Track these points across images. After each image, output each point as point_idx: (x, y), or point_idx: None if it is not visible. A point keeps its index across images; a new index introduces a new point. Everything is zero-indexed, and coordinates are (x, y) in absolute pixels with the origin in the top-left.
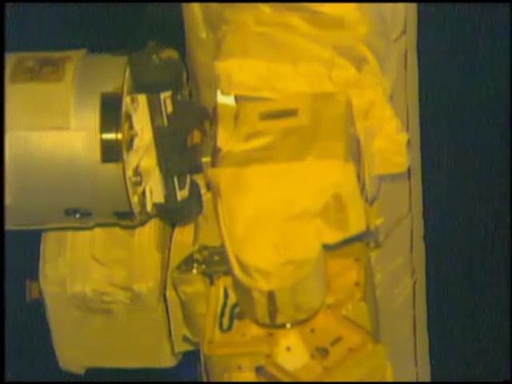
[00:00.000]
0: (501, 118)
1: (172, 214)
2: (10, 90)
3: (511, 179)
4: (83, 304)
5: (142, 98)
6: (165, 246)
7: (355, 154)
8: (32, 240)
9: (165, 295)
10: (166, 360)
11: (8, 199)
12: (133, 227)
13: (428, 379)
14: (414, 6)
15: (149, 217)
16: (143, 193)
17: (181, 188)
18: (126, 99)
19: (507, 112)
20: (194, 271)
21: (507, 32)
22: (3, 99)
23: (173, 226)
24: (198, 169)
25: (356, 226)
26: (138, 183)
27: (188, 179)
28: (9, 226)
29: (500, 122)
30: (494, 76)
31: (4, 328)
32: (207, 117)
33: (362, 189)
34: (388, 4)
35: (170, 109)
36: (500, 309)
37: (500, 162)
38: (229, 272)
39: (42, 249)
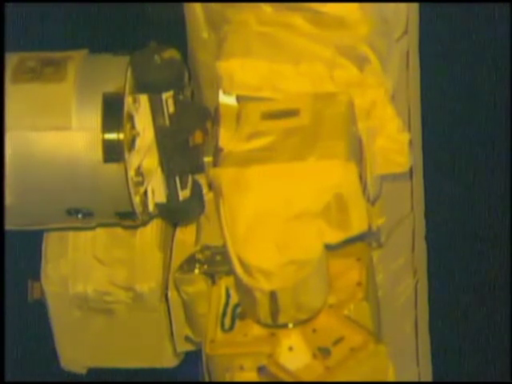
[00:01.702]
0: (502, 117)
1: (174, 214)
2: (11, 90)
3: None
4: (85, 304)
5: (143, 98)
6: (167, 245)
7: (357, 153)
8: (34, 240)
9: (167, 295)
10: (168, 360)
11: (9, 199)
12: (135, 227)
13: (430, 379)
14: (415, 5)
15: (151, 217)
16: (145, 193)
17: (183, 188)
18: (128, 99)
19: (509, 111)
20: (196, 271)
21: (508, 32)
22: (3, 99)
23: (175, 225)
24: (199, 169)
25: (358, 225)
26: (140, 183)
27: (190, 179)
28: (11, 226)
29: (502, 122)
30: (496, 76)
31: (4, 328)
32: (209, 117)
33: (364, 188)
34: (390, 4)
35: (171, 109)
36: (501, 309)
37: (502, 162)
38: (231, 272)
39: (43, 249)
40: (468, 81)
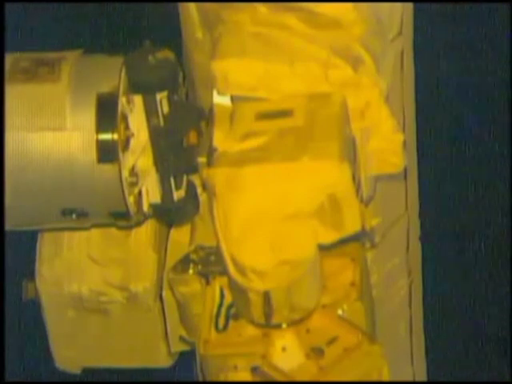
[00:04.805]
0: (498, 118)
1: (168, 214)
2: (6, 90)
3: (510, 179)
4: (79, 304)
5: (138, 99)
6: (161, 246)
7: (351, 154)
8: (28, 240)
9: (161, 295)
10: (163, 360)
11: (5, 200)
12: (129, 227)
13: (424, 378)
14: (410, 6)
15: (145, 217)
16: (139, 193)
17: (177, 188)
18: (122, 99)
19: (504, 112)
20: (190, 271)
21: (505, 32)
22: (3, 99)
23: (169, 226)
24: (194, 169)
25: (351, 225)
26: (134, 183)
27: (184, 179)
28: (6, 226)
29: (497, 123)
30: (492, 75)
31: (4, 328)
32: (203, 117)
33: (358, 189)
34: (385, 4)
35: (166, 109)
36: (497, 308)
37: (497, 163)
38: (225, 272)
39: (38, 249)
40: (463, 81)
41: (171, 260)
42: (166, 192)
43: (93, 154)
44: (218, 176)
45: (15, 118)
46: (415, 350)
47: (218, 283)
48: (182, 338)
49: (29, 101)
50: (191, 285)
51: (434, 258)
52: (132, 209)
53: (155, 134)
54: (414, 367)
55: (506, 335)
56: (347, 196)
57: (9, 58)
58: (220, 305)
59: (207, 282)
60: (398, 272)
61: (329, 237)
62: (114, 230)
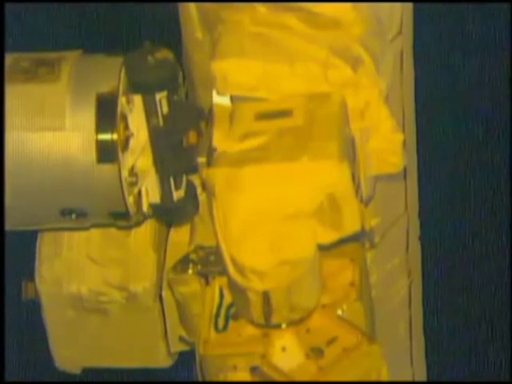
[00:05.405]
0: (497, 118)
1: (168, 214)
2: (6, 90)
3: (510, 178)
4: (79, 304)
5: (137, 99)
6: (161, 246)
7: (350, 154)
8: (28, 240)
9: (161, 295)
10: (162, 360)
11: (5, 199)
12: (129, 227)
13: (424, 379)
14: (410, 6)
15: (145, 217)
16: (139, 193)
17: (177, 188)
18: (122, 99)
19: (504, 112)
20: (190, 271)
21: (505, 31)
22: (3, 99)
23: (169, 226)
24: (193, 169)
25: (351, 225)
26: (134, 183)
27: (184, 179)
28: (6, 226)
29: (496, 122)
30: (491, 76)
31: (4, 328)
32: (203, 117)
33: (357, 189)
34: (384, 4)
35: (165, 109)
36: (496, 309)
37: (497, 162)
38: (224, 272)
39: (37, 249)
40: (463, 81)
41: (171, 260)
42: (165, 192)
43: (92, 154)
44: (218, 176)
45: (15, 118)
46: (415, 350)
47: (218, 283)
48: (181, 338)
49: (29, 101)
50: (191, 285)
51: (434, 258)
52: (132, 209)
53: (155, 134)
54: (413, 367)
55: (506, 335)
56: (347, 196)
57: (9, 58)
58: (219, 305)
59: (207, 282)
60: (398, 272)
61: (328, 237)
62: (113, 230)
